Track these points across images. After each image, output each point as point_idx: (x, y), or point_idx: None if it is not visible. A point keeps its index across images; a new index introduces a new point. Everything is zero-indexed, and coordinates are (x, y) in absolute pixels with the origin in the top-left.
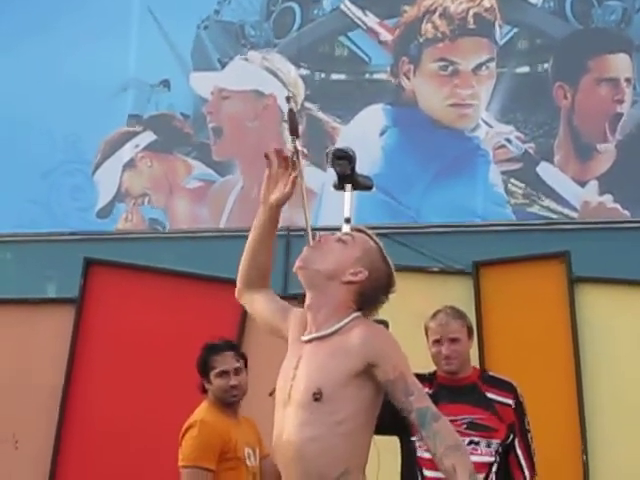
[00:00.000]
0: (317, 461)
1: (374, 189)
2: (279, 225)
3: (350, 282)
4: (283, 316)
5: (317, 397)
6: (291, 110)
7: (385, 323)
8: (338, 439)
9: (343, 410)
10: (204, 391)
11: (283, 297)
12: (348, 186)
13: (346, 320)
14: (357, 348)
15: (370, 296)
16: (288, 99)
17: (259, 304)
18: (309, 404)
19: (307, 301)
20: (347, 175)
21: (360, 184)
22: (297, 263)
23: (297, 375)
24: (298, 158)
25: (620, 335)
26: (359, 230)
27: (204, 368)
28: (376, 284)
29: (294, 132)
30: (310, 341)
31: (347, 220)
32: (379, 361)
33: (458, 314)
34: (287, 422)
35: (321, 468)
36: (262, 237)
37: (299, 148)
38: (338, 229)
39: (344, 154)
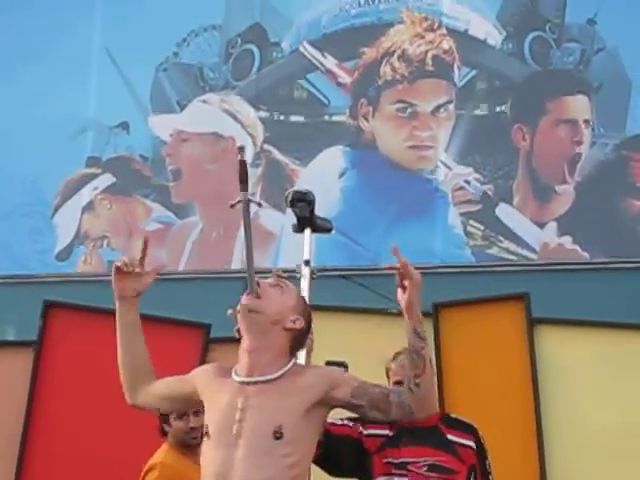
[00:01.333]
0: None
1: (333, 231)
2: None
3: (290, 329)
4: (181, 384)
5: (278, 436)
6: (242, 161)
7: (344, 365)
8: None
9: (298, 452)
10: (164, 434)
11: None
12: (307, 229)
13: (289, 365)
14: (315, 382)
15: (301, 342)
16: (240, 149)
17: (156, 390)
18: (267, 444)
19: (247, 345)
20: (306, 217)
21: (319, 227)
22: (246, 306)
23: (247, 416)
24: (248, 210)
25: (579, 376)
26: (279, 276)
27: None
28: (306, 330)
29: (244, 183)
30: (253, 383)
31: (306, 262)
32: (337, 383)
33: None
34: (236, 462)
35: None
36: (132, 330)
37: (250, 199)
38: (293, 271)
39: (303, 197)
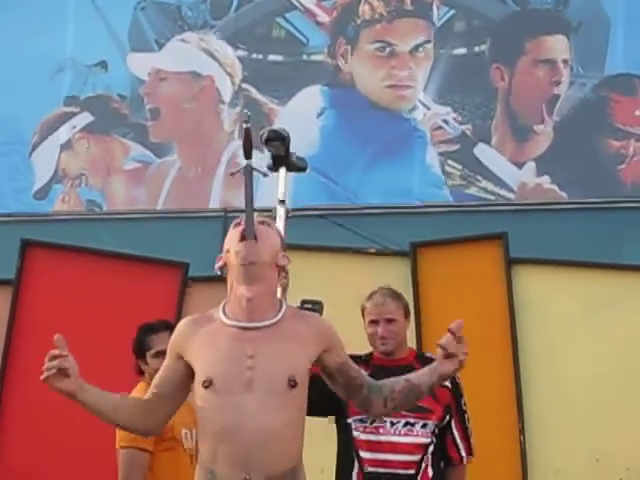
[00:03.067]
0: (291, 445)
1: (310, 170)
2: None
3: (280, 266)
4: (174, 370)
5: (292, 384)
6: (247, 129)
7: (320, 304)
8: (302, 423)
9: (304, 397)
10: (140, 372)
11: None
12: (282, 168)
13: (284, 308)
14: (312, 336)
15: (284, 281)
16: (246, 118)
17: (163, 404)
18: (281, 390)
19: (247, 293)
20: (281, 157)
21: (294, 165)
22: (247, 258)
23: (259, 363)
24: (251, 178)
25: (556, 316)
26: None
27: (140, 349)
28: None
29: (248, 153)
30: (256, 329)
31: (281, 202)
32: (332, 347)
33: (395, 295)
34: (250, 409)
35: (292, 452)
36: (102, 400)
37: (254, 167)
38: (271, 210)
39: (278, 135)
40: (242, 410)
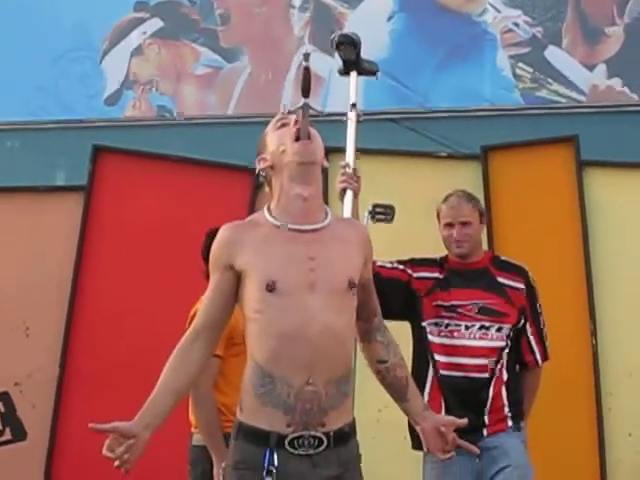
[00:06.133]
0: (349, 347)
1: (381, 74)
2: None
3: (324, 168)
4: (225, 285)
5: (352, 285)
6: (306, 67)
7: (391, 208)
8: (354, 325)
9: (356, 298)
10: (209, 278)
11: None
12: (353, 72)
13: (329, 210)
14: (360, 242)
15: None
16: (306, 56)
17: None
18: (344, 292)
19: (304, 192)
20: (352, 61)
21: (365, 69)
22: (307, 157)
23: (319, 265)
24: (307, 116)
25: (629, 218)
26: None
27: (209, 254)
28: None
29: (306, 92)
30: (311, 231)
31: (353, 105)
32: (368, 259)
33: (470, 198)
34: (315, 311)
35: (349, 355)
36: (169, 400)
37: (310, 106)
38: (344, 114)
39: (348, 40)
40: (307, 311)
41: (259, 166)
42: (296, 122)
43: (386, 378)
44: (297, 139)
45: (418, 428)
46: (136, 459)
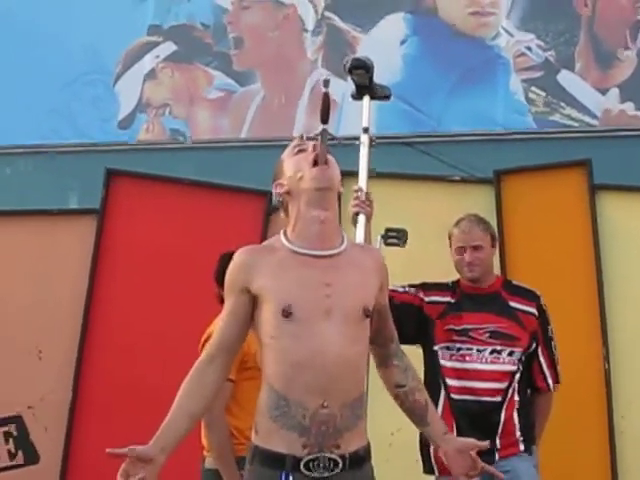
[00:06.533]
0: (362, 373)
1: (394, 98)
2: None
3: (340, 193)
4: (240, 309)
5: (368, 313)
6: (326, 94)
7: (404, 231)
8: (367, 351)
9: (369, 326)
10: (222, 301)
11: None
12: (366, 96)
13: (345, 236)
14: (375, 269)
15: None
16: (326, 83)
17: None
18: (359, 320)
19: (321, 216)
20: (365, 85)
21: (378, 94)
22: (324, 183)
23: (335, 291)
24: (325, 141)
25: None
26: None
27: (222, 278)
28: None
29: (325, 118)
30: (327, 257)
31: (365, 129)
32: (384, 285)
33: (481, 222)
34: (331, 338)
35: (362, 379)
36: (183, 426)
37: (329, 133)
38: (357, 138)
39: (361, 64)
40: (322, 339)
41: (276, 191)
42: (314, 148)
43: (405, 402)
44: (315, 164)
45: (440, 452)
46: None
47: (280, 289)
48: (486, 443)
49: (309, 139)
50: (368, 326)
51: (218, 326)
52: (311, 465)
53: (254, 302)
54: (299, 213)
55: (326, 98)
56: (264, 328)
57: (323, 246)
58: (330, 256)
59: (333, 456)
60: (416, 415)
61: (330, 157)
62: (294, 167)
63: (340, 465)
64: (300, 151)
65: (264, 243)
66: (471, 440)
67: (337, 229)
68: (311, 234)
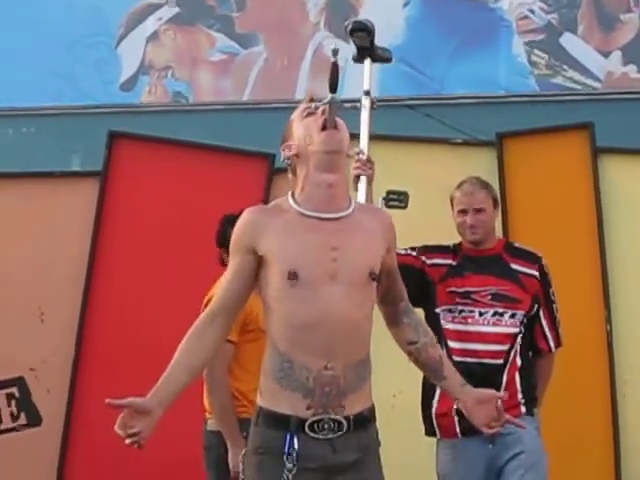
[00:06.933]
0: (367, 335)
1: (395, 61)
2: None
3: (348, 156)
4: (242, 273)
5: (373, 277)
6: (335, 64)
7: (405, 194)
8: (372, 313)
9: (375, 291)
10: (223, 264)
11: None
12: (367, 59)
13: (353, 199)
14: (382, 231)
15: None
16: (335, 52)
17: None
18: (363, 283)
19: (330, 179)
20: (366, 47)
21: (379, 56)
22: (333, 146)
23: (341, 255)
24: (333, 111)
25: None
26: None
27: (223, 240)
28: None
29: (333, 87)
30: (335, 219)
31: (366, 92)
32: (392, 246)
33: (484, 184)
34: (336, 301)
35: (367, 342)
36: (182, 379)
37: (337, 101)
38: (358, 101)
39: (363, 26)
40: (328, 302)
41: (284, 153)
42: (323, 112)
43: (419, 359)
44: (324, 128)
45: (460, 404)
46: (149, 435)
47: (286, 252)
48: (504, 394)
49: (315, 107)
50: (374, 289)
51: (221, 285)
52: (316, 426)
53: (259, 263)
54: (307, 176)
55: (334, 67)
56: (269, 291)
57: (330, 209)
58: (337, 219)
59: (337, 417)
60: (432, 370)
61: (339, 120)
62: (303, 130)
63: (345, 427)
64: (309, 114)
65: (271, 203)
66: (490, 391)
67: (345, 192)
68: (319, 197)
